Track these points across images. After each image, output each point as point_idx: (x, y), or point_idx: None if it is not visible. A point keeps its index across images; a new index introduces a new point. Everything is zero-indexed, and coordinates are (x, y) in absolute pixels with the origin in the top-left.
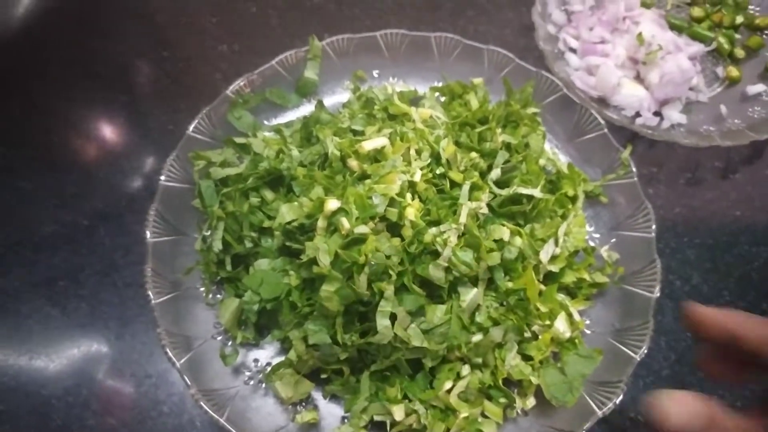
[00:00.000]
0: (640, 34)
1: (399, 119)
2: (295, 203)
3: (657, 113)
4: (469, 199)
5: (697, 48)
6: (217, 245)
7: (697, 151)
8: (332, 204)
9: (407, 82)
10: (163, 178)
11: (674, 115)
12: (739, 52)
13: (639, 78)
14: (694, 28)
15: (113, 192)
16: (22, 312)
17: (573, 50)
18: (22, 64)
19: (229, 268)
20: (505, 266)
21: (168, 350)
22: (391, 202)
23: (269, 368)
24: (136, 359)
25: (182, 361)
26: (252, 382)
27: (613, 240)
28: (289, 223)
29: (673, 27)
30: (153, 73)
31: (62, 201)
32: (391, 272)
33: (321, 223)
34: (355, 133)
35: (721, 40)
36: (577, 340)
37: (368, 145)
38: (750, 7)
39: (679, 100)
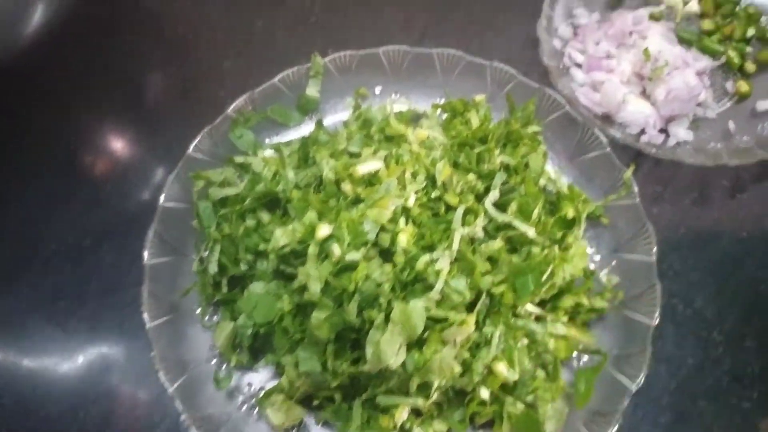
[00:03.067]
0: (646, 50)
1: (396, 140)
2: (290, 227)
3: (663, 130)
4: (464, 224)
5: (706, 63)
6: (213, 268)
7: (704, 170)
8: (323, 230)
9: (410, 98)
10: (162, 199)
11: (680, 132)
12: (750, 67)
13: (645, 94)
14: (704, 41)
15: (117, 210)
16: (24, 331)
17: (578, 65)
18: (29, 82)
19: (225, 290)
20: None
21: (161, 374)
22: (384, 227)
23: (262, 393)
24: (133, 381)
25: (175, 385)
26: (245, 407)
27: (614, 262)
28: (282, 247)
29: (682, 40)
30: (160, 89)
31: (67, 219)
32: (381, 300)
33: (312, 250)
34: (351, 154)
35: (732, 53)
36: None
37: (362, 169)
38: (763, 18)
39: (686, 117)
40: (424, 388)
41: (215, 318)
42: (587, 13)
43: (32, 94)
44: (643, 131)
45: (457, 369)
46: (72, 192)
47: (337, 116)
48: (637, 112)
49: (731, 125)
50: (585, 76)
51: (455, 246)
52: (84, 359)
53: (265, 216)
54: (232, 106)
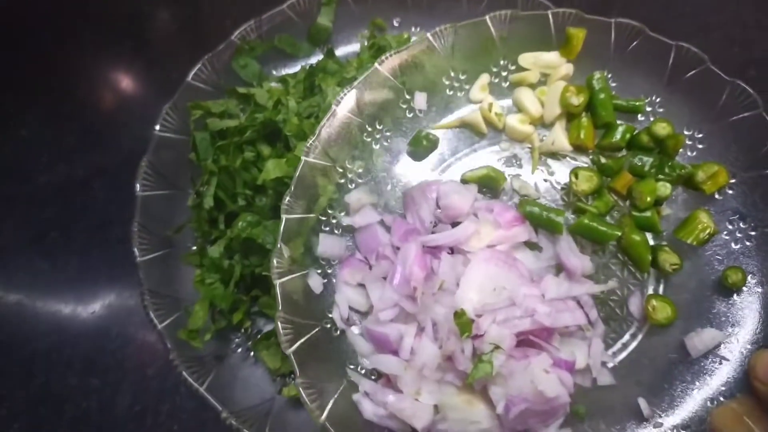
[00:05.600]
0: (460, 316)
1: None
2: (283, 159)
3: None
4: None
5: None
6: (209, 202)
7: None
8: None
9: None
10: (157, 128)
11: None
12: (669, 259)
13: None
14: (585, 221)
15: (111, 143)
16: (12, 265)
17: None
18: (28, 6)
19: (222, 226)
20: None
21: (150, 312)
22: None
23: (259, 336)
24: (123, 318)
25: (165, 323)
26: (240, 350)
27: None
28: (277, 179)
29: (537, 220)
30: (162, 18)
31: (59, 152)
32: None
33: None
34: None
35: (634, 237)
36: None
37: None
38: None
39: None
40: None
41: None
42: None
43: (28, 24)
44: None
45: None
46: (64, 125)
47: (349, 48)
48: (462, 422)
49: (643, 405)
50: (367, 348)
51: None
52: (72, 295)
53: (265, 149)
54: (236, 33)
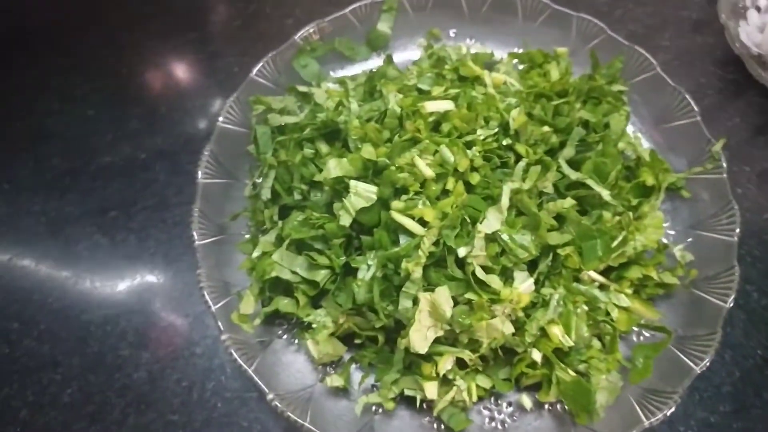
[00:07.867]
0: None
1: (470, 82)
2: (344, 159)
3: None
4: (525, 179)
5: None
6: (266, 194)
7: None
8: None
9: (485, 45)
10: (221, 119)
11: None
12: None
13: None
14: None
15: (173, 129)
16: (73, 237)
17: (758, 8)
18: None
19: (276, 218)
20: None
21: (205, 293)
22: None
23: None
24: (177, 297)
25: (218, 305)
26: (286, 336)
27: (690, 239)
28: (336, 179)
29: None
30: (226, 12)
31: (123, 133)
32: (420, 252)
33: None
34: (420, 91)
35: None
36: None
37: (431, 107)
38: None
39: None
40: (473, 342)
41: None
42: None
43: (99, 10)
44: None
45: (509, 330)
46: (129, 108)
47: (405, 55)
48: None
49: None
50: (758, 17)
51: (504, 202)
52: (129, 270)
53: (323, 147)
54: (299, 34)
